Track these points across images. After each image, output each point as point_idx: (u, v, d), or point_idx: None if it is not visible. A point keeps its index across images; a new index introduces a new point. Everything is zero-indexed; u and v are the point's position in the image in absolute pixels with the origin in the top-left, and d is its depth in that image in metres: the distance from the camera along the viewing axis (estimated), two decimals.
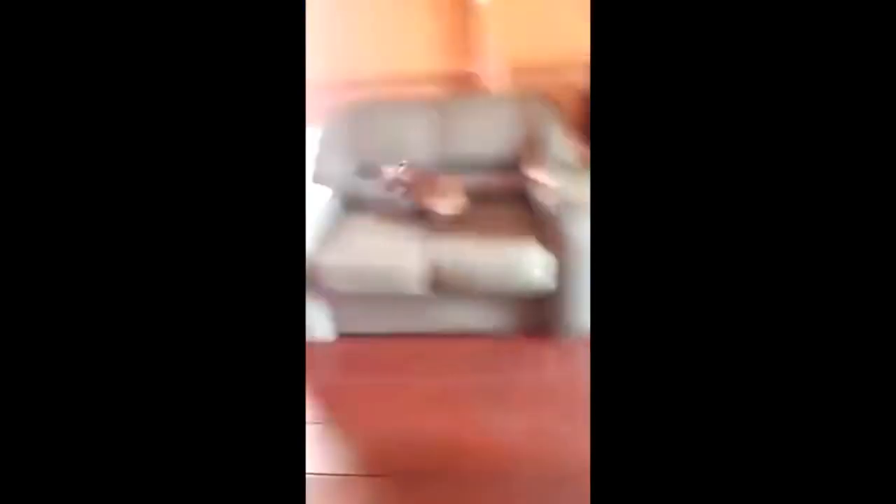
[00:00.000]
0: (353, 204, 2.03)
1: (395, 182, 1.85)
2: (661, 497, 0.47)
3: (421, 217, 1.83)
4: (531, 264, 1.59)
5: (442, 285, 1.65)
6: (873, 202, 0.43)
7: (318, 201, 1.85)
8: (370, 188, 1.93)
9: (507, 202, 1.98)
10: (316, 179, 2.03)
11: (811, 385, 0.44)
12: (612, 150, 0.49)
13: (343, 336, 1.85)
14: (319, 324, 1.81)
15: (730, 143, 0.46)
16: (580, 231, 1.52)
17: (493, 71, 2.14)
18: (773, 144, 0.45)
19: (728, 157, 0.46)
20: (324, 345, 1.82)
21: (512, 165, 2.01)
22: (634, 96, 0.48)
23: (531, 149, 1.96)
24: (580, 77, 2.07)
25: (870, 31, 0.43)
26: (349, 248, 1.71)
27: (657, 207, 0.48)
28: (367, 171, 1.93)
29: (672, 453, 0.47)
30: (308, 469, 1.32)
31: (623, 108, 0.49)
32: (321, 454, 1.37)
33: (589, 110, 2.02)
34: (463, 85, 2.21)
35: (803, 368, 0.45)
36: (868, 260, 0.43)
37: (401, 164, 1.88)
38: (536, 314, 1.73)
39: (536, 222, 1.74)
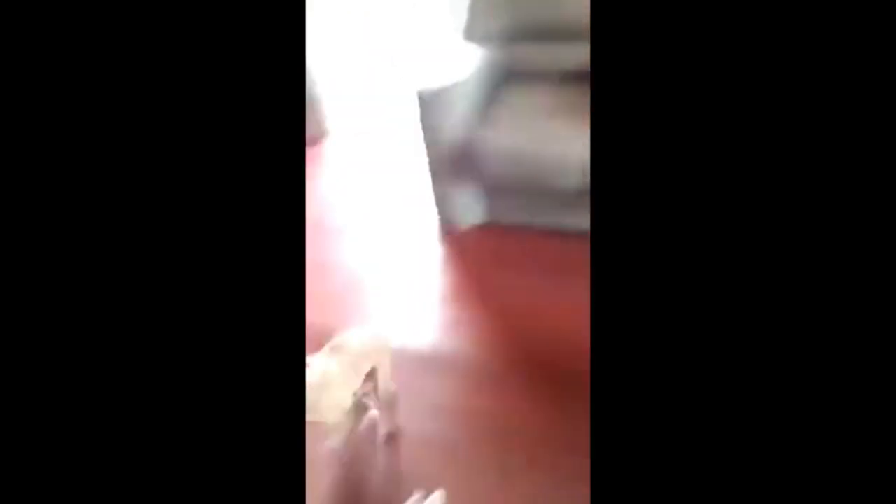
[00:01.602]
0: (514, 72, 1.71)
1: None
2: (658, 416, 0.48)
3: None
4: None
5: None
6: (873, 200, 0.43)
7: (472, 64, 1.56)
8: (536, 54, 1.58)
9: None
10: (468, 36, 1.73)
11: (805, 326, 0.45)
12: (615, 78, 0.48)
13: (492, 225, 1.72)
14: (469, 209, 1.70)
15: (744, 81, 0.45)
16: None
17: None
18: (779, 94, 0.45)
19: (744, 94, 0.45)
20: (471, 232, 1.73)
21: None
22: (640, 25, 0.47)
23: None
24: None
25: (870, 31, 0.43)
26: (507, 127, 1.47)
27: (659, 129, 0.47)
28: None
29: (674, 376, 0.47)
30: (440, 351, 1.33)
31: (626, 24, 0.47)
32: (458, 338, 1.37)
33: None
34: None
35: (795, 305, 0.45)
36: (868, 255, 0.43)
37: None
38: None
39: None
